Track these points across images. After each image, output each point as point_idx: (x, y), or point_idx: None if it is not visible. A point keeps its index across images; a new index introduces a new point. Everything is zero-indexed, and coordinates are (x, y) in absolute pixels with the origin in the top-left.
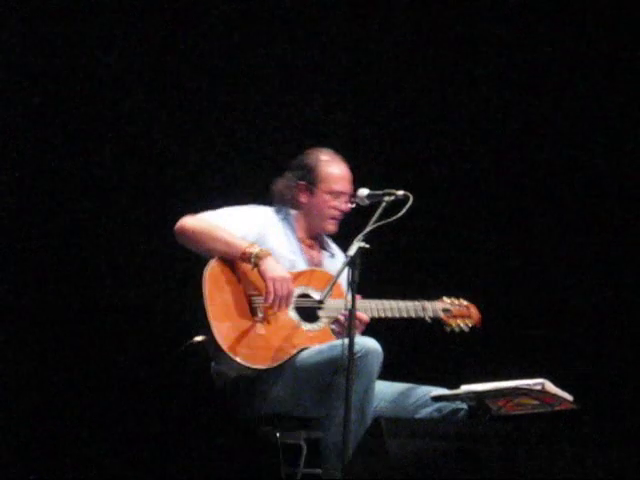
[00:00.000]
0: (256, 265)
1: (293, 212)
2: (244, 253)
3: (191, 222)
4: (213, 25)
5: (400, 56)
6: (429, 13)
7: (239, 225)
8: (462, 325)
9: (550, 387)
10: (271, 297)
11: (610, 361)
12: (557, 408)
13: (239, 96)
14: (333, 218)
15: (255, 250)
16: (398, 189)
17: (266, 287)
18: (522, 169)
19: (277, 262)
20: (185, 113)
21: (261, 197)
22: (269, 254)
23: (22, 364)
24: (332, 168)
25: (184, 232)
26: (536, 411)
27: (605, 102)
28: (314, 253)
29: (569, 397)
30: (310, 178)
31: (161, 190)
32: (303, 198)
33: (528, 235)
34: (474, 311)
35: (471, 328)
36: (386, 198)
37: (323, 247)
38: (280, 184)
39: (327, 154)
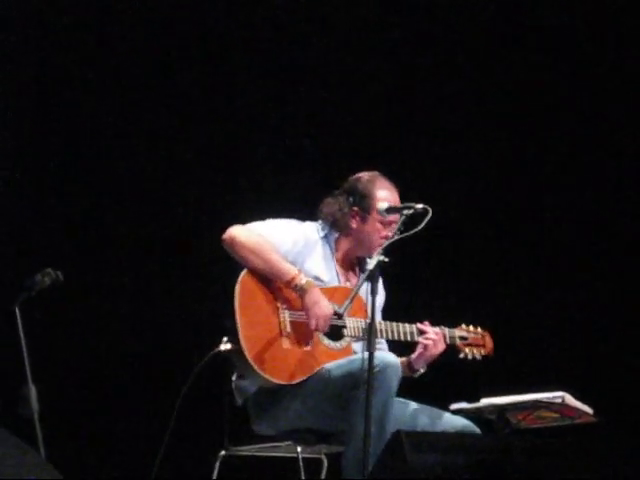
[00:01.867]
0: (301, 296)
1: (336, 233)
2: (289, 282)
3: (242, 235)
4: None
5: (416, 67)
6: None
7: (284, 240)
8: (475, 353)
9: (570, 400)
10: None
11: (631, 374)
12: (577, 421)
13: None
14: (381, 246)
15: (302, 282)
16: (417, 202)
17: (308, 321)
18: (539, 183)
19: (321, 295)
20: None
21: (300, 210)
22: (314, 286)
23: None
24: (386, 196)
25: (234, 244)
26: (556, 424)
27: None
28: (351, 275)
29: (589, 410)
30: (364, 205)
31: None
32: (354, 224)
33: (550, 242)
34: (488, 340)
35: (483, 357)
36: (405, 211)
37: (363, 271)
38: (332, 206)
39: (381, 181)
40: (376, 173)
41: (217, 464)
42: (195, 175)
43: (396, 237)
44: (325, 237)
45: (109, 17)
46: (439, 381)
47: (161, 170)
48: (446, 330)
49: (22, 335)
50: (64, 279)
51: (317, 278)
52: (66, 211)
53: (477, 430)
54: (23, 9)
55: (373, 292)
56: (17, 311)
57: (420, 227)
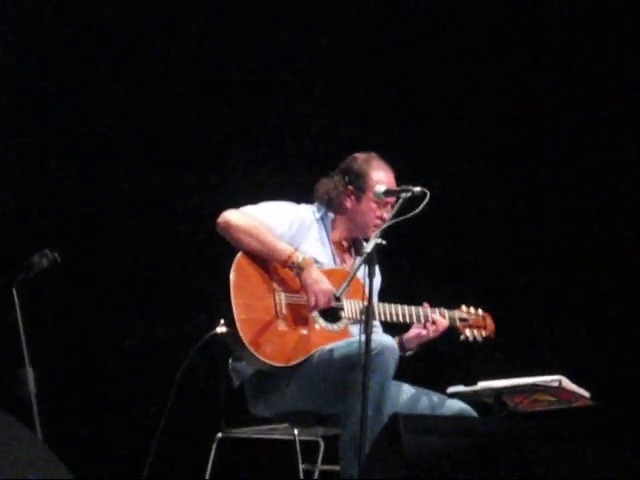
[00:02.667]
0: (298, 274)
1: (331, 215)
2: (286, 261)
3: (236, 218)
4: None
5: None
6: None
7: (279, 222)
8: (476, 334)
9: (567, 384)
10: (311, 308)
11: (628, 357)
12: (574, 405)
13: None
14: (376, 226)
15: (299, 259)
16: (415, 185)
17: (307, 298)
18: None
19: (319, 272)
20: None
21: (296, 193)
22: (312, 263)
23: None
24: (381, 177)
25: (228, 227)
26: (553, 408)
27: None
28: (347, 257)
29: (586, 394)
30: (359, 184)
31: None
32: (349, 203)
33: (549, 226)
34: (489, 322)
35: (484, 338)
36: (403, 194)
37: (358, 253)
38: (327, 185)
39: (377, 161)
40: (372, 153)
41: (214, 446)
42: (193, 171)
43: (394, 220)
44: (321, 219)
45: (109, 17)
46: (436, 364)
47: (160, 166)
48: (446, 312)
49: (20, 317)
50: (62, 261)
51: (313, 260)
52: (65, 193)
53: (474, 413)
54: (23, 9)
55: (370, 275)
56: (14, 292)
57: (418, 210)
